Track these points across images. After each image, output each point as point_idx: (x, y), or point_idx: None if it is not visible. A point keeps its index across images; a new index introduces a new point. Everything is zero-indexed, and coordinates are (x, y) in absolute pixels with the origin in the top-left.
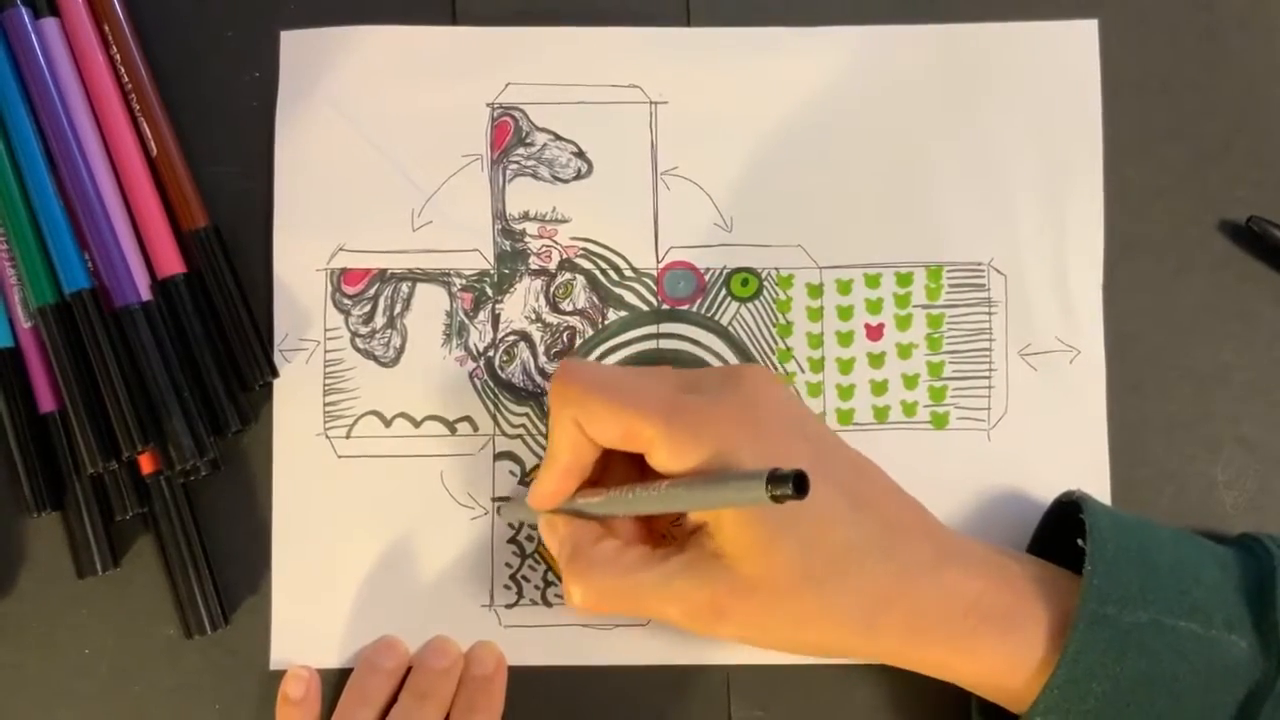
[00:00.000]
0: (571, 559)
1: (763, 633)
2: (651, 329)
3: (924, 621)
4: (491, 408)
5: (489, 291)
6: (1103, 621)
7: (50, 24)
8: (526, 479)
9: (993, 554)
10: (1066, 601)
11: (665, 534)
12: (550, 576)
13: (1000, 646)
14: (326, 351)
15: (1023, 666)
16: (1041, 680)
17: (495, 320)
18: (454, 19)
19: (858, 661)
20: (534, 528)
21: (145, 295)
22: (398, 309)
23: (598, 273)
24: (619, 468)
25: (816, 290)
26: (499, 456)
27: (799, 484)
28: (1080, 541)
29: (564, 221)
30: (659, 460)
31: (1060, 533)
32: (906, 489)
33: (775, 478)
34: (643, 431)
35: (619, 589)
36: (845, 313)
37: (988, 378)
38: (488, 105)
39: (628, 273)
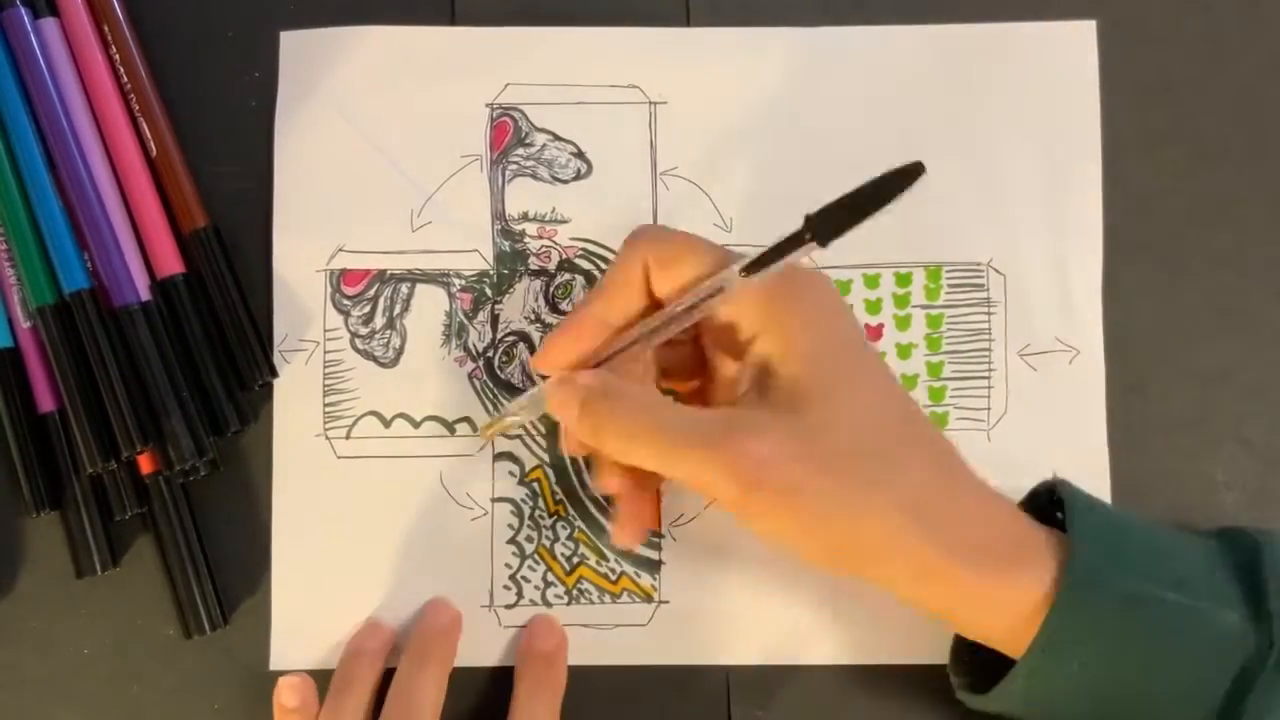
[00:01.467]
0: (591, 401)
1: (801, 502)
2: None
3: (960, 531)
4: (491, 408)
5: (488, 292)
6: (1088, 587)
7: (50, 24)
8: (526, 478)
9: (1011, 504)
10: (1061, 560)
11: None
12: (550, 577)
13: (1012, 583)
14: (326, 352)
15: (1021, 609)
16: (1031, 631)
17: (494, 321)
18: (453, 19)
19: (874, 574)
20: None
21: (144, 295)
22: (397, 309)
23: (597, 273)
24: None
25: None
26: (498, 457)
27: (826, 220)
28: (1059, 514)
29: (563, 222)
30: (727, 311)
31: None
32: None
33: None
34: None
35: (657, 432)
36: None
37: (987, 378)
38: (487, 105)
39: None
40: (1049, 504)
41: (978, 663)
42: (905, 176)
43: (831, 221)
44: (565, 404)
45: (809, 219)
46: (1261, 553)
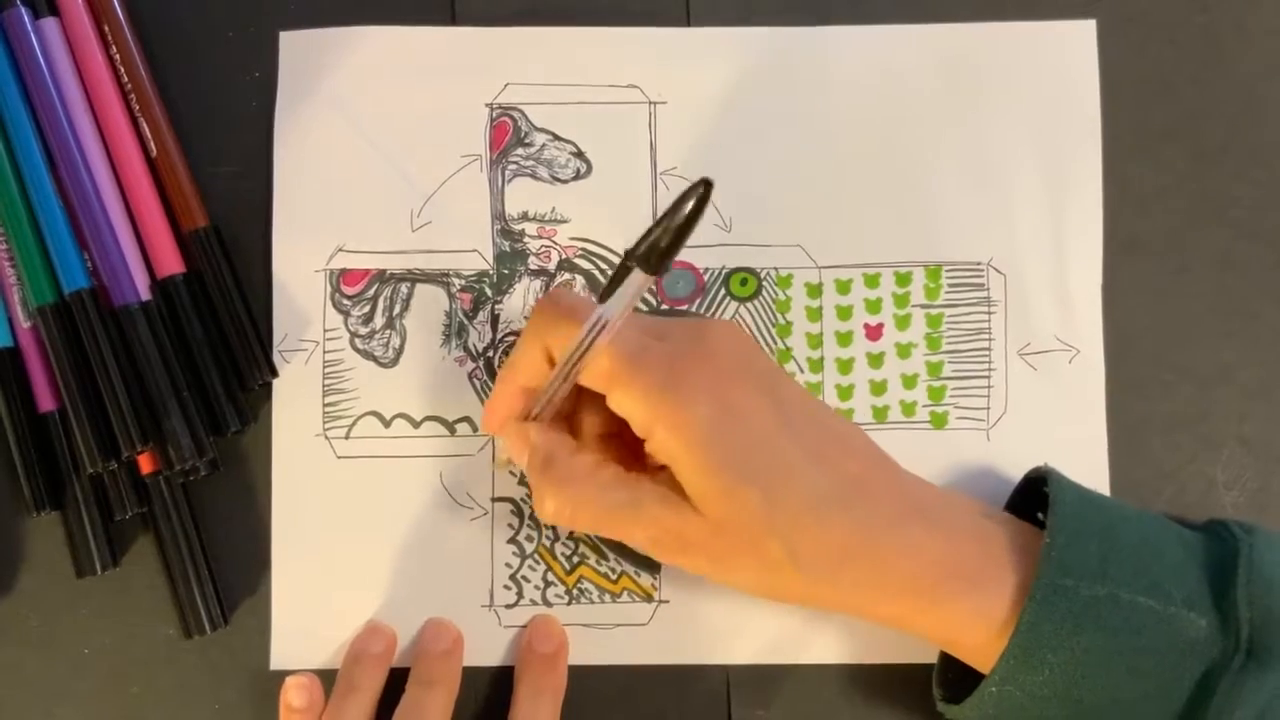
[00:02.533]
0: (546, 468)
1: (728, 571)
2: None
3: (887, 576)
4: None
5: (488, 292)
6: (1060, 592)
7: (50, 24)
8: (526, 478)
9: (966, 514)
10: (1029, 560)
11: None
12: (550, 576)
13: (963, 604)
14: (326, 352)
15: (985, 626)
16: (1002, 643)
17: (494, 320)
18: (453, 19)
19: (824, 610)
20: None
21: (145, 295)
22: (397, 309)
23: (597, 273)
24: (591, 416)
25: (815, 290)
26: None
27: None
28: (1043, 515)
29: (563, 222)
30: (615, 401)
31: (1030, 508)
32: None
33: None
34: (603, 371)
35: (593, 503)
36: (844, 312)
37: (987, 377)
38: (487, 105)
39: None
40: (1042, 490)
41: (959, 674)
42: (696, 190)
43: (649, 250)
44: (520, 458)
45: (627, 251)
46: (1239, 553)
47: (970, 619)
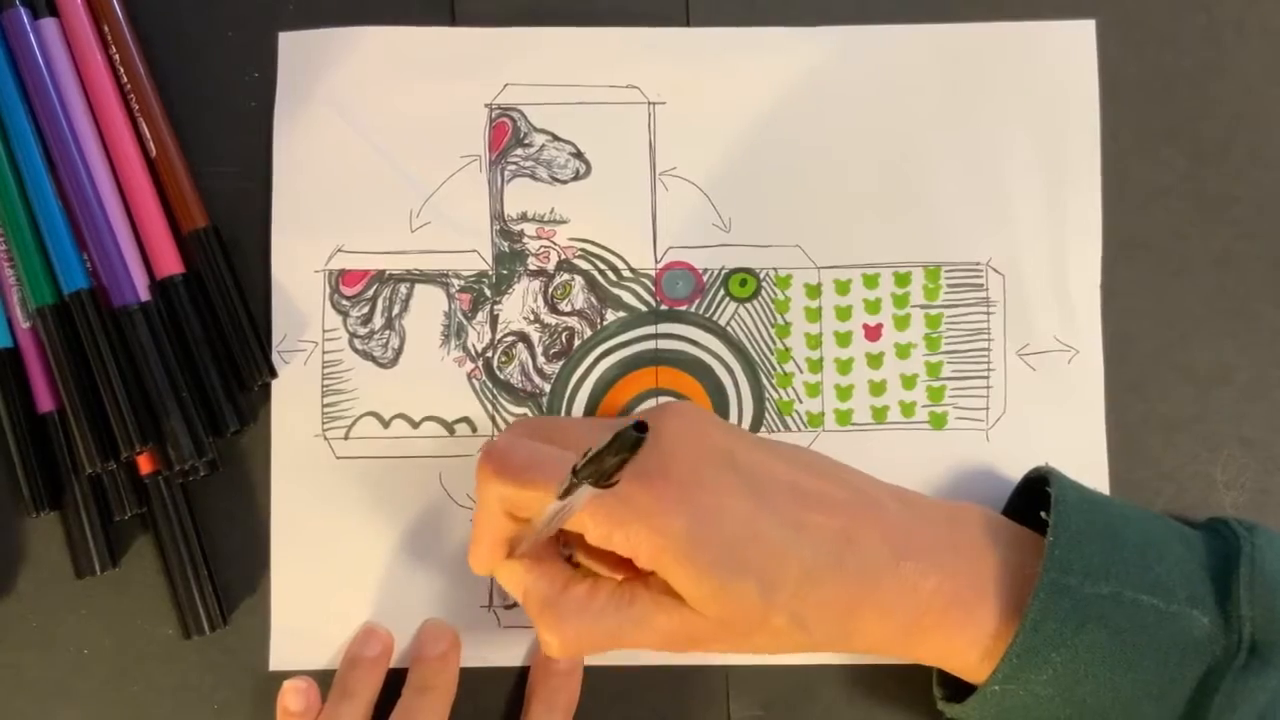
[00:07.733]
0: (542, 611)
1: (742, 649)
2: (650, 329)
3: (891, 618)
4: (490, 408)
5: (487, 292)
6: (1064, 591)
7: (49, 24)
8: None
9: (953, 544)
10: (1029, 570)
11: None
12: None
13: (961, 631)
14: (325, 352)
15: (980, 645)
16: (999, 654)
17: (493, 321)
18: (453, 19)
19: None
20: None
21: (144, 295)
22: (396, 310)
23: (596, 273)
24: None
25: (815, 290)
26: None
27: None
28: (1045, 514)
29: (562, 222)
30: (592, 539)
31: (1031, 507)
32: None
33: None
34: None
35: (595, 633)
36: (843, 313)
37: (986, 378)
38: (486, 106)
39: (626, 273)
40: (1044, 489)
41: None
42: (635, 433)
43: (596, 476)
44: (516, 594)
45: (574, 468)
46: (1240, 551)
47: (966, 643)
